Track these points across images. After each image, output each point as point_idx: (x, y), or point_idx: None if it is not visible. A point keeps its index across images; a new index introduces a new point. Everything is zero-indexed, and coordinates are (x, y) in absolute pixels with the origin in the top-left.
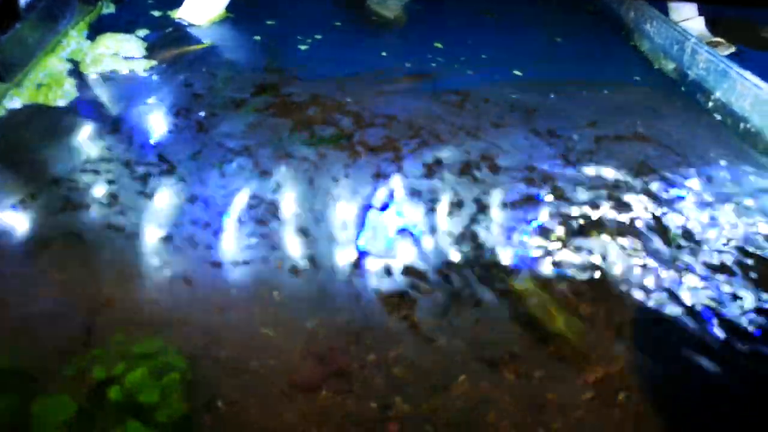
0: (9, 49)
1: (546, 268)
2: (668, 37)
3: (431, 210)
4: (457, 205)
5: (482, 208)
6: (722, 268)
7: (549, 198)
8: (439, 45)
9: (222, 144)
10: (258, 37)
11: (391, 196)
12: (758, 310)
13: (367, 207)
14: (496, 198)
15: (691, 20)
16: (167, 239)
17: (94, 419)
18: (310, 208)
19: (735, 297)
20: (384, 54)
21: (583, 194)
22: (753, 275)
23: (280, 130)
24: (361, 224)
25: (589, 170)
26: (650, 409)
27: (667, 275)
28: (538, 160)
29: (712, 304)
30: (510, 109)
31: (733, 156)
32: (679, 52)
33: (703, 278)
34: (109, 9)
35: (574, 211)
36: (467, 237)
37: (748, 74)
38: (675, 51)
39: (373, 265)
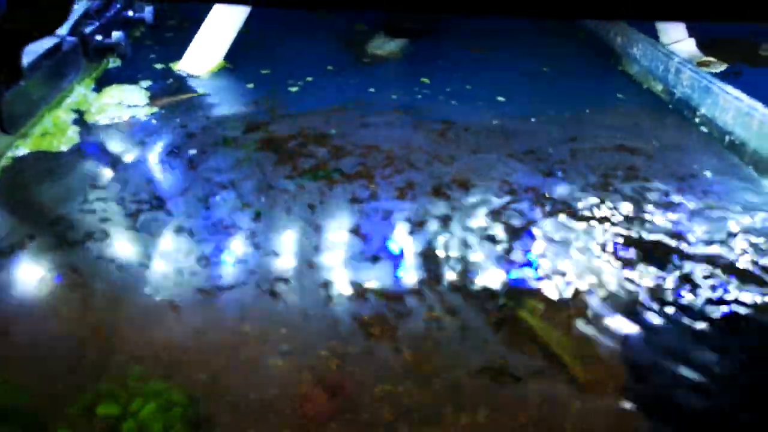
0: (13, 104)
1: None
2: (654, 58)
3: (404, 229)
4: (422, 223)
5: (446, 222)
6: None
7: (521, 206)
8: (425, 80)
9: (210, 179)
10: (251, 85)
11: (366, 217)
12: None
13: (340, 229)
14: (464, 212)
15: (681, 42)
16: (155, 269)
17: None
18: (285, 235)
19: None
20: (372, 90)
21: (557, 202)
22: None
23: (264, 165)
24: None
25: (564, 178)
26: None
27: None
28: (510, 175)
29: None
30: (488, 135)
31: (719, 166)
32: (665, 72)
33: (685, 285)
34: (116, 63)
35: (544, 221)
36: (429, 255)
37: (729, 88)
38: (661, 72)
39: (347, 288)
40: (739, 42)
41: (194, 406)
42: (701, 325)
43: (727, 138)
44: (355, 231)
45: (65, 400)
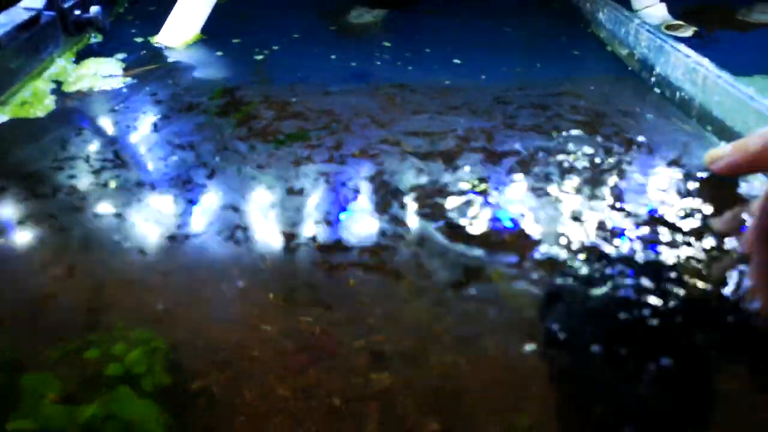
0: None
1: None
2: (617, 22)
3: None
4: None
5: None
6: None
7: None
8: (387, 44)
9: (170, 141)
10: (220, 53)
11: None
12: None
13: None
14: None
15: (653, 6)
16: (120, 216)
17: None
18: (239, 192)
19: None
20: (333, 57)
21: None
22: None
23: (222, 128)
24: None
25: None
26: None
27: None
28: (437, 128)
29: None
30: (433, 95)
31: (658, 113)
32: (626, 34)
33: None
34: (97, 39)
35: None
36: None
37: (681, 46)
38: (623, 34)
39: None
40: (718, 7)
41: (173, 352)
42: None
43: (677, 94)
44: (295, 191)
45: (45, 345)
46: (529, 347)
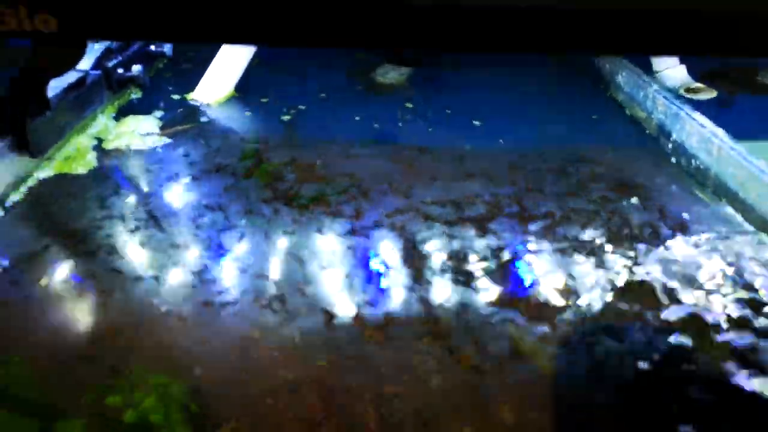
0: (40, 131)
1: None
2: (635, 85)
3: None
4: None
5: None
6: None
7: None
8: (409, 105)
9: (200, 202)
10: (250, 113)
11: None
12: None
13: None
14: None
15: (673, 69)
16: (157, 280)
17: None
18: (269, 259)
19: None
20: (357, 118)
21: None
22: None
23: (249, 191)
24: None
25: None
26: None
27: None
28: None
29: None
30: (452, 161)
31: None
32: (644, 98)
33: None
34: (137, 95)
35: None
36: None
37: (696, 115)
38: (641, 98)
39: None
40: (738, 69)
41: (193, 399)
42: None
43: (693, 162)
44: (325, 265)
45: (77, 390)
46: None
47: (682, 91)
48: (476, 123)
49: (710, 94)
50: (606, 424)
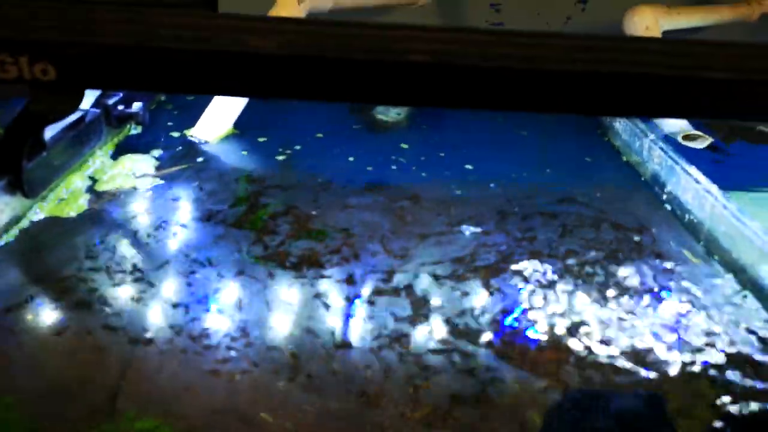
0: (35, 172)
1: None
2: (632, 133)
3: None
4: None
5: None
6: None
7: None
8: (404, 146)
9: (188, 255)
10: (245, 152)
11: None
12: None
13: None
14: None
15: None
16: (151, 344)
17: None
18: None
19: None
20: (351, 159)
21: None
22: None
23: (240, 243)
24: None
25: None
26: None
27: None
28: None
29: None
30: (441, 210)
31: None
32: (640, 147)
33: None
34: (136, 130)
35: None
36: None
37: (692, 169)
38: (637, 146)
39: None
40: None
41: None
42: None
43: (687, 216)
44: (338, 343)
45: None
46: None
47: (680, 138)
48: (468, 167)
49: (706, 142)
50: None
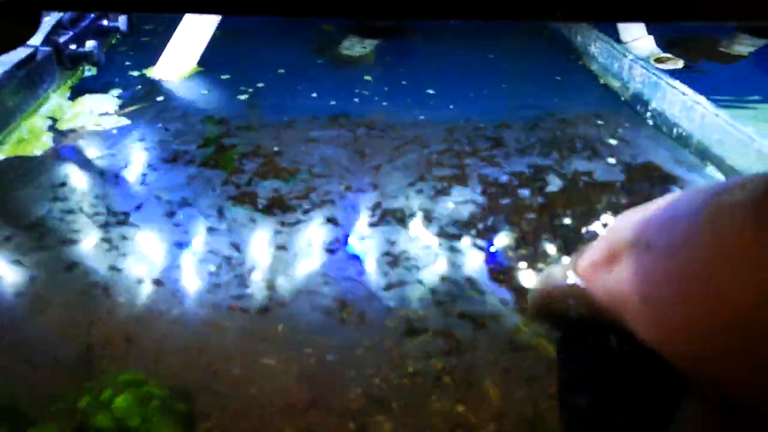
0: None
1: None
2: (609, 55)
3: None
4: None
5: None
6: None
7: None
8: (368, 78)
9: (160, 197)
10: (206, 91)
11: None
12: None
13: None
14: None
15: (641, 39)
16: (141, 281)
17: None
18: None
19: None
20: (314, 95)
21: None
22: None
23: (214, 184)
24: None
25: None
26: None
27: None
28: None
29: None
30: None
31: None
32: (620, 69)
33: None
34: (91, 72)
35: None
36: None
37: (677, 83)
38: (616, 68)
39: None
40: (701, 39)
41: (173, 399)
42: None
43: (675, 130)
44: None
45: (48, 395)
46: None
47: (652, 61)
48: (430, 92)
49: (677, 64)
50: None
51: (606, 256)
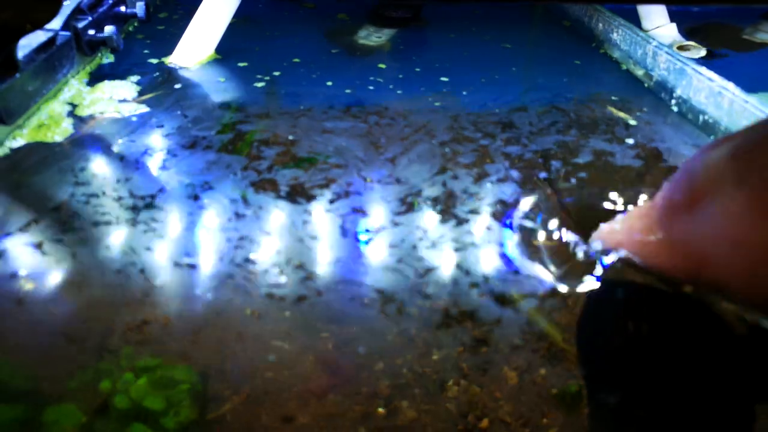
0: (9, 96)
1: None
2: (633, 42)
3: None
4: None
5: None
6: None
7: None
8: (382, 66)
9: (181, 181)
10: (224, 79)
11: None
12: None
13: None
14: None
15: (663, 27)
16: (165, 260)
17: (102, 425)
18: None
19: None
20: (329, 83)
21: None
22: None
23: (234, 168)
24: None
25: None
26: None
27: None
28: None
29: None
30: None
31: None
32: (643, 55)
33: None
34: (109, 59)
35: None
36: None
37: (702, 69)
38: (640, 55)
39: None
40: (723, 27)
41: (202, 384)
42: None
43: (701, 117)
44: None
45: (66, 377)
46: None
47: (674, 49)
48: (444, 80)
49: (700, 52)
50: None
51: (685, 200)
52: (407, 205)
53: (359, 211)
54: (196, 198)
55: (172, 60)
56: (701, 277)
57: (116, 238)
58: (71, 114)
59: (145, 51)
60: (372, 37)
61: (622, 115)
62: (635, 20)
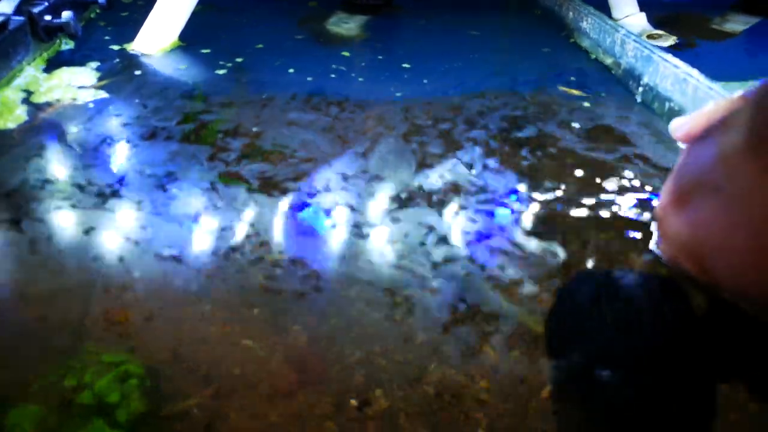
0: None
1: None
2: (602, 31)
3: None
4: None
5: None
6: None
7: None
8: (346, 53)
9: (142, 171)
10: (185, 66)
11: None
12: None
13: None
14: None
15: (633, 16)
16: (128, 243)
17: (63, 420)
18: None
19: None
20: (291, 71)
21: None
22: None
23: (199, 157)
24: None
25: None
26: None
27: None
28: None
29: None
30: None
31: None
32: (612, 44)
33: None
34: (69, 45)
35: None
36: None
37: (668, 56)
38: (608, 44)
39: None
40: (692, 16)
41: (153, 378)
42: None
43: (666, 105)
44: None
45: (29, 374)
46: None
47: (644, 38)
48: (405, 66)
49: (670, 41)
50: None
51: (675, 198)
52: (398, 201)
53: (340, 205)
54: (161, 188)
55: (134, 47)
56: (707, 275)
57: (77, 227)
58: (26, 101)
59: (107, 38)
60: (342, 24)
61: (575, 92)
62: (606, 10)
